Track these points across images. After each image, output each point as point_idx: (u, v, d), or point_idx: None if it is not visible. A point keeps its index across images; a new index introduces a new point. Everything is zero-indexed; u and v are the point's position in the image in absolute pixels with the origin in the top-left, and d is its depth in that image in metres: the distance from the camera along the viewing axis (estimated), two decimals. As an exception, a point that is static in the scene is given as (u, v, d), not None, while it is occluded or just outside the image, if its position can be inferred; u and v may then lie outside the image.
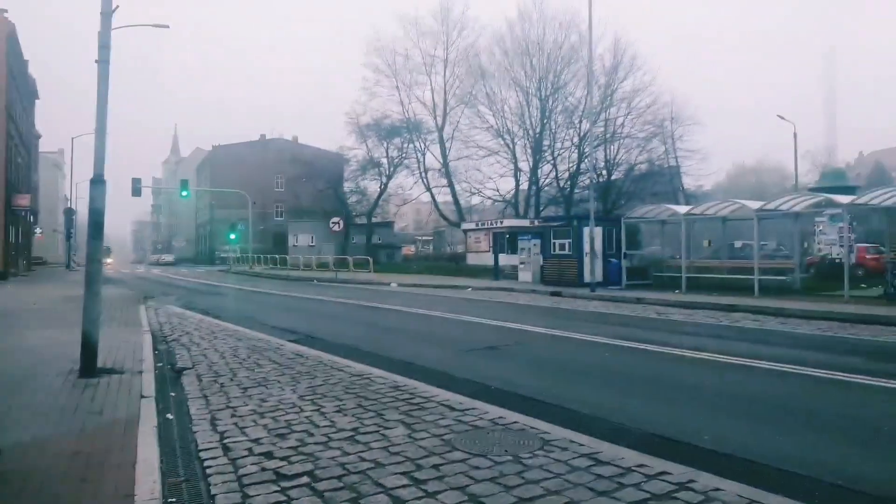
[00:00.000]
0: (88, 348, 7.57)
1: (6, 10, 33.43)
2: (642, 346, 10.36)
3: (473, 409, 6.25)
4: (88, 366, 7.54)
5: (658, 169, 46.92)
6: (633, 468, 4.52)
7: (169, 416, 6.10)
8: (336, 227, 37.02)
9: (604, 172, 46.09)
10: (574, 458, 4.74)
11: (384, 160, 56.93)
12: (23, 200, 36.80)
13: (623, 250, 23.24)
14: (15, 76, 35.58)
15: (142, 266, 72.87)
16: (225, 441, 5.27)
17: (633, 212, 25.85)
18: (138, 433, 5.35)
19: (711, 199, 32.16)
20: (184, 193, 47.66)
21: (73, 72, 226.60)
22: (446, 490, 4.20)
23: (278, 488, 4.23)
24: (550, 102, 47.44)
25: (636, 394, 7.39)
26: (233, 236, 51.37)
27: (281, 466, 4.64)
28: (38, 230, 56.23)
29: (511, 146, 49.62)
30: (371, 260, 38.24)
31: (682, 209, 23.61)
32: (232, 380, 7.76)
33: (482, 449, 5.01)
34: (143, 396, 6.64)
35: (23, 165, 41.80)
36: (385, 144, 55.60)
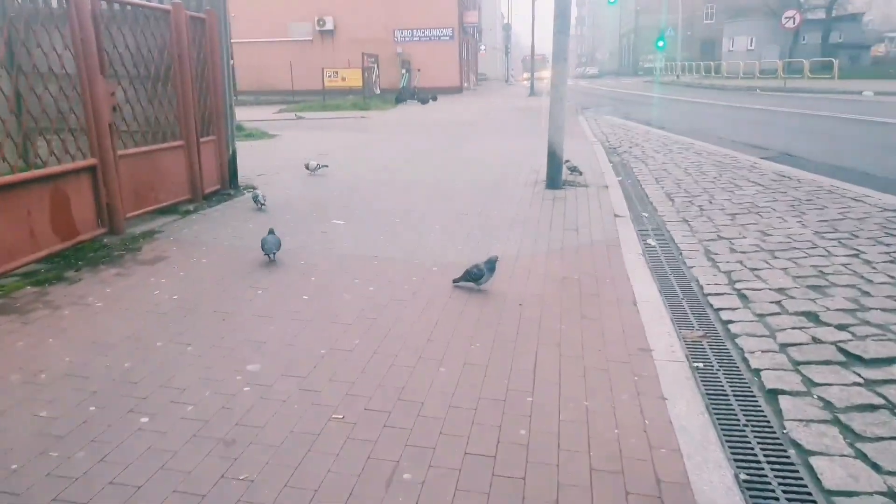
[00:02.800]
0: (555, 160, 7.07)
1: None
2: None
3: None
4: (554, 177, 7.09)
5: None
6: None
7: (650, 241, 5.13)
8: (790, 24, 30.57)
9: None
10: None
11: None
12: (471, 17, 40.01)
13: None
14: None
15: (568, 79, 75.10)
16: (737, 286, 4.04)
17: None
18: (625, 262, 4.51)
19: None
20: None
21: None
22: None
23: (860, 380, 2.82)
24: None
25: None
26: (661, 43, 47.81)
27: (844, 340, 3.19)
28: (482, 47, 61.93)
29: None
30: (835, 63, 30.87)
31: None
32: (711, 202, 6.43)
33: None
34: (616, 216, 5.84)
35: (468, -16, 45.02)
36: None
